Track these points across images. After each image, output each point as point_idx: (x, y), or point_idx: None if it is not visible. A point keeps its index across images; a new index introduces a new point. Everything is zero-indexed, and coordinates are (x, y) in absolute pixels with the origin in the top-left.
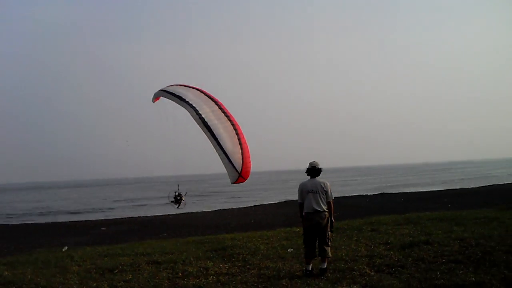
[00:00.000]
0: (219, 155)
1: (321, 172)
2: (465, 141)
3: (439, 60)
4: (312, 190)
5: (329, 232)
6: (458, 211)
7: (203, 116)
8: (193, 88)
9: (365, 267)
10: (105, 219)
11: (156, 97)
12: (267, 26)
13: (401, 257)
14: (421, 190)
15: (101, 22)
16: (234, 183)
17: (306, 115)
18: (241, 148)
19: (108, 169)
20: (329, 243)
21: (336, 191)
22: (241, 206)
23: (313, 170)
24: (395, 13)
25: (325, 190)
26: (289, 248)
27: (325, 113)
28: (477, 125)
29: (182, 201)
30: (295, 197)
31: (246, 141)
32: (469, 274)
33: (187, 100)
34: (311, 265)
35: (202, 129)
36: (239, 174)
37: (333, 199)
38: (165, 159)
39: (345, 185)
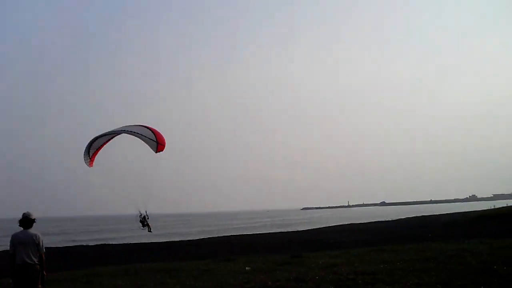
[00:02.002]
0: (136, 136)
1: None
2: None
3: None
4: (24, 242)
5: (40, 286)
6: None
7: (115, 129)
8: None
9: None
10: None
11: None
12: None
13: None
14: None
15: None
16: (156, 151)
17: None
18: (150, 129)
19: None
20: None
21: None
22: None
23: (26, 221)
24: None
25: (36, 243)
26: None
27: None
28: None
29: (146, 221)
30: None
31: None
32: None
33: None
34: None
35: (118, 134)
36: (157, 142)
37: (44, 252)
38: None
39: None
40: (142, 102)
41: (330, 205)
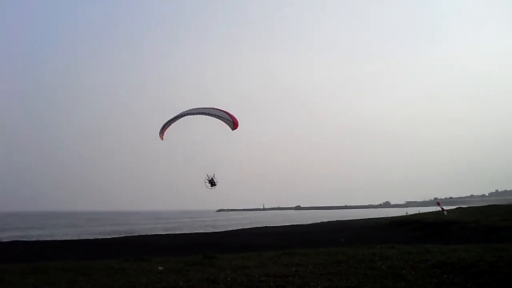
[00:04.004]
0: (215, 114)
1: None
2: None
3: None
4: None
5: None
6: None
7: (191, 109)
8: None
9: None
10: None
11: (162, 132)
12: None
13: None
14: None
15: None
16: (233, 129)
17: None
18: (224, 111)
19: None
20: None
21: None
22: None
23: None
24: None
25: None
26: None
27: None
28: None
29: (214, 182)
30: None
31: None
32: None
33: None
34: None
35: (195, 112)
36: (233, 122)
37: None
38: None
39: None
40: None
41: (245, 208)
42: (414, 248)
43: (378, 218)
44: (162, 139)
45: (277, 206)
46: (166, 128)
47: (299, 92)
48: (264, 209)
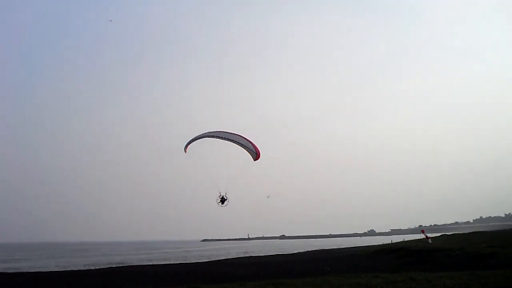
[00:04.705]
0: (241, 142)
1: None
2: None
3: None
4: None
5: None
6: None
7: (219, 131)
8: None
9: None
10: None
11: (186, 146)
12: None
13: None
14: None
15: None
16: (255, 159)
17: None
18: (248, 140)
19: None
20: None
21: None
22: None
23: None
24: None
25: None
26: None
27: None
28: None
29: (226, 200)
30: None
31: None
32: None
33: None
34: None
35: (222, 136)
36: (256, 153)
37: None
38: None
39: None
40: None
41: (230, 237)
42: (399, 277)
43: (363, 246)
44: (185, 152)
45: (262, 236)
46: (190, 143)
47: (280, 122)
48: (249, 238)
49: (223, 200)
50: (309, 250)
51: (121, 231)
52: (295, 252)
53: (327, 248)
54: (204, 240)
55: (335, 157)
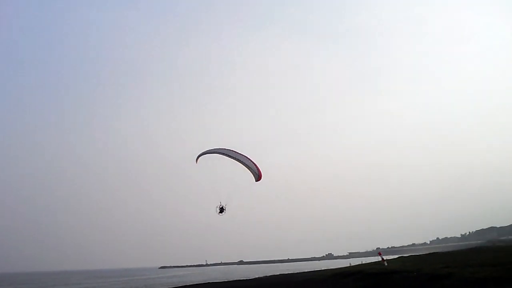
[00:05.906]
0: (245, 163)
1: None
2: None
3: None
4: None
5: None
6: None
7: (229, 149)
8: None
9: None
10: None
11: (198, 157)
12: None
13: None
14: None
15: None
16: (256, 181)
17: None
18: (253, 162)
19: None
20: None
21: None
22: None
23: None
24: None
25: None
26: None
27: None
28: None
29: (224, 210)
30: None
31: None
32: None
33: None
34: None
35: (231, 154)
36: (258, 174)
37: None
38: None
39: None
40: None
41: (188, 264)
42: None
43: (321, 270)
44: (196, 162)
45: (220, 262)
46: (201, 156)
47: (242, 145)
48: (207, 264)
49: (221, 210)
50: (268, 275)
51: (72, 259)
52: (254, 277)
53: (285, 272)
54: (162, 267)
55: (292, 182)
